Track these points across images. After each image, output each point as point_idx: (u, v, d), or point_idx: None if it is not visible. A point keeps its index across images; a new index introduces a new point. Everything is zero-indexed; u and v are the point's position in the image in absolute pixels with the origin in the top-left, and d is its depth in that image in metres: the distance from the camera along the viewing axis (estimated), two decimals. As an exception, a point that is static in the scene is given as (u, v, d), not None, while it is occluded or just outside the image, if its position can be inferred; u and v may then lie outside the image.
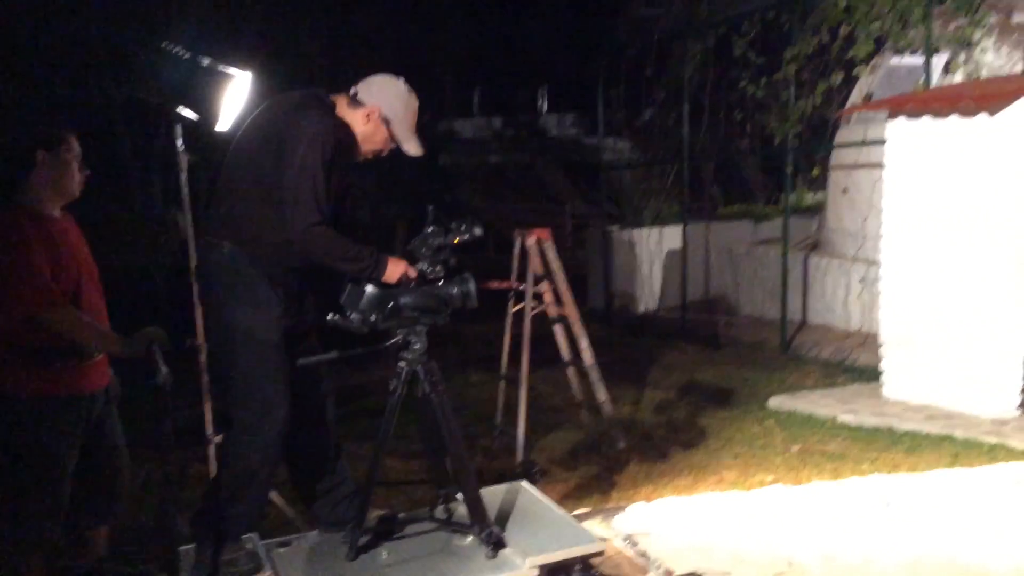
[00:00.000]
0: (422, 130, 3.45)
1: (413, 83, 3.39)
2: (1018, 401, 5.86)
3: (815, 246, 9.89)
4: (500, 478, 4.41)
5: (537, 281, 5.67)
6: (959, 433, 5.58)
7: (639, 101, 12.62)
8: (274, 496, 3.99)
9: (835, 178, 9.54)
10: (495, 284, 5.66)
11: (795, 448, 5.58)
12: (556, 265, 5.65)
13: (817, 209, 10.71)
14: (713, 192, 13.08)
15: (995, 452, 5.18)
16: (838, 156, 9.43)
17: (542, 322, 5.80)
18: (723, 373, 7.81)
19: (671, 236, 10.58)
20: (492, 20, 22.52)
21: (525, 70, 23.66)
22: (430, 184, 13.58)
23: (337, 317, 3.18)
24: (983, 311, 5.84)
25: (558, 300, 5.74)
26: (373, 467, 3.32)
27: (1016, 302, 5.70)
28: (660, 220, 10.98)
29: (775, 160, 9.70)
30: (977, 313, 5.88)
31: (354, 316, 3.16)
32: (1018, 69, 7.94)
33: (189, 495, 4.32)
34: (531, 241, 5.63)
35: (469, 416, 6.26)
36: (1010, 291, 5.70)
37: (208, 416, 4.00)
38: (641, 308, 10.73)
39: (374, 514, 3.48)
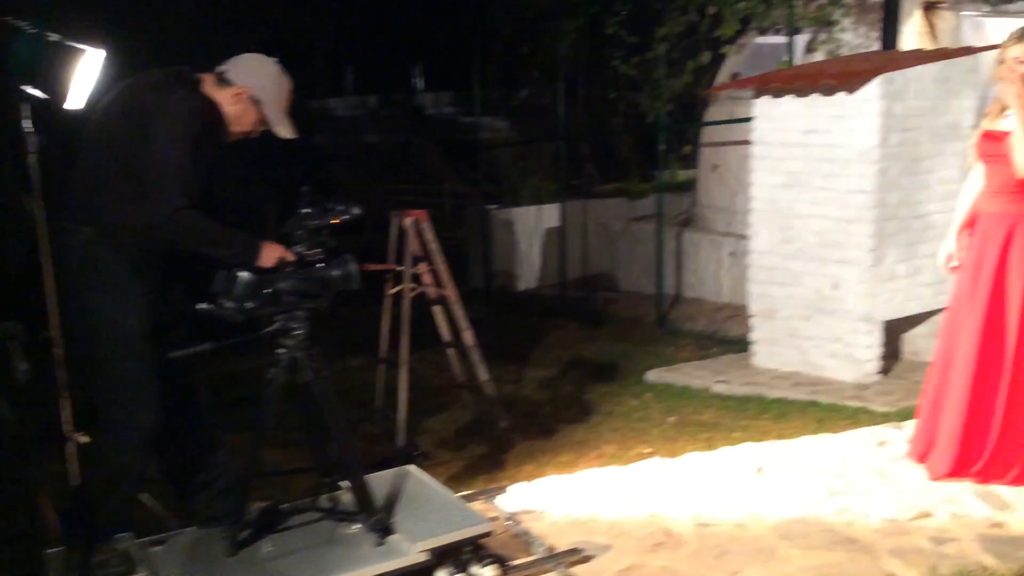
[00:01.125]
0: (295, 112, 3.36)
1: (283, 60, 3.29)
2: (878, 366, 6.18)
3: (688, 222, 10.15)
4: (382, 463, 4.37)
5: (415, 262, 5.62)
6: (824, 399, 5.84)
7: (517, 79, 12.66)
8: (144, 497, 3.84)
9: (705, 155, 9.80)
10: (372, 266, 5.58)
11: (671, 419, 5.73)
12: (434, 246, 5.61)
13: (690, 186, 11.00)
14: (590, 170, 13.25)
15: (857, 416, 5.44)
16: (708, 133, 9.69)
17: (422, 304, 5.77)
18: (603, 349, 7.94)
19: (549, 214, 10.68)
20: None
21: (400, 48, 23.40)
22: (302, 165, 13.27)
23: (209, 305, 3.07)
24: (842, 281, 6.12)
25: (437, 281, 5.71)
26: (252, 458, 3.24)
27: (872, 271, 5.98)
28: (538, 198, 11.07)
29: (649, 138, 9.89)
30: (837, 283, 6.15)
31: (227, 304, 3.05)
32: (875, 47, 8.32)
33: (55, 495, 4.11)
34: (408, 222, 5.57)
35: (349, 401, 6.15)
36: (866, 261, 5.98)
37: (66, 413, 3.80)
38: (521, 287, 10.81)
39: (255, 506, 3.39)
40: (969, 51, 6.24)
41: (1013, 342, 3.76)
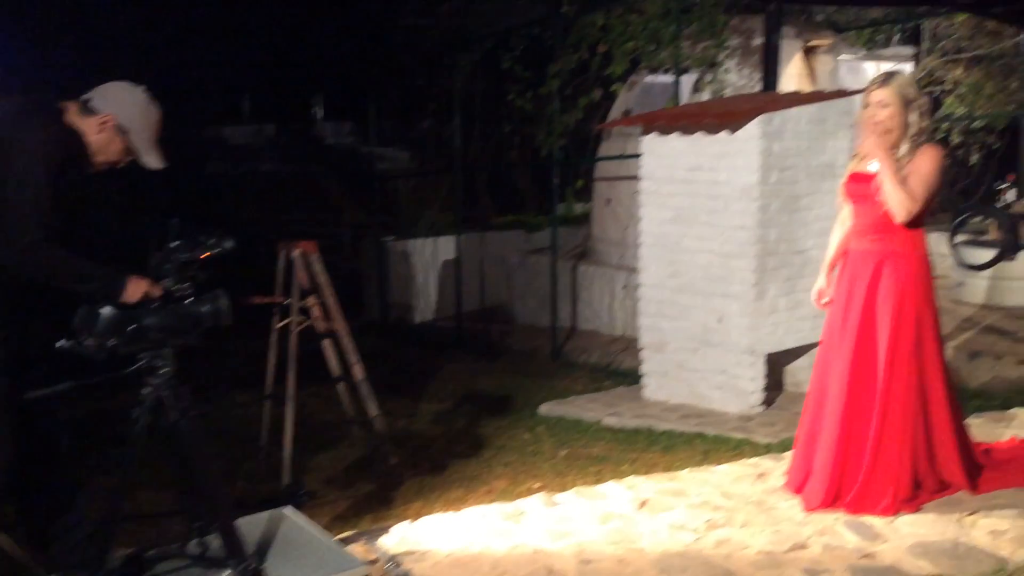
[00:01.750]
0: (165, 141, 3.26)
1: (175, 88, 3.19)
2: (761, 397, 6.32)
3: (583, 255, 10.27)
4: (265, 503, 4.24)
5: (304, 295, 5.51)
6: (710, 430, 5.94)
7: (419, 110, 12.64)
8: (2, 538, 3.62)
9: (599, 189, 9.95)
10: (259, 299, 5.45)
11: (563, 453, 5.74)
12: (323, 278, 5.52)
13: (585, 219, 11.14)
14: (486, 202, 13.30)
15: (741, 447, 5.55)
16: (601, 168, 9.84)
17: (312, 338, 5.66)
18: (498, 382, 7.93)
19: (446, 246, 10.66)
20: (263, 24, 21.85)
21: (299, 76, 23.13)
22: (193, 195, 12.95)
23: (69, 342, 2.93)
24: (727, 314, 6.26)
25: (327, 314, 5.61)
26: (117, 502, 3.09)
27: (755, 305, 6.13)
28: (435, 230, 11.04)
29: (545, 171, 10.00)
30: (722, 316, 6.29)
31: (89, 341, 2.92)
32: (758, 88, 8.61)
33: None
34: (297, 253, 5.47)
35: (233, 438, 5.99)
36: (749, 295, 6.13)
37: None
38: (418, 319, 10.73)
39: (120, 553, 3.23)
40: (843, 94, 6.51)
41: (882, 376, 3.88)
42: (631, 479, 4.45)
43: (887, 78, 3.86)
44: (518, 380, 7.90)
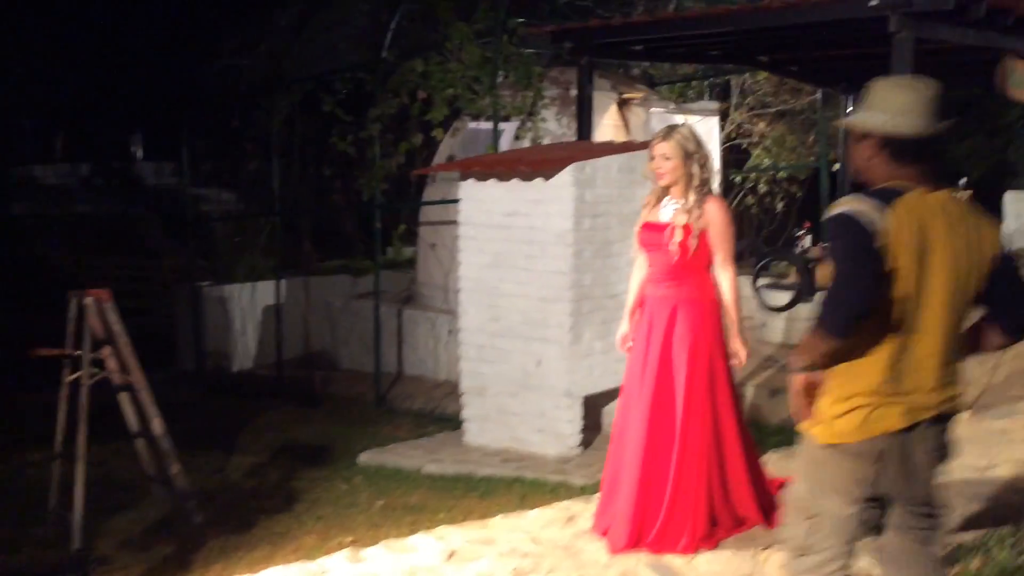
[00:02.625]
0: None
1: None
2: (579, 439, 6.40)
3: (409, 299, 10.20)
4: (51, 570, 3.91)
5: (97, 345, 5.18)
6: (529, 474, 5.95)
7: (244, 151, 12.29)
8: None
9: (424, 234, 9.94)
10: (45, 351, 5.08)
11: (379, 504, 5.61)
12: (118, 327, 5.20)
13: (412, 263, 11.09)
14: (308, 247, 13.05)
15: (557, 490, 5.59)
16: (426, 213, 9.85)
17: (108, 391, 5.31)
18: (317, 431, 7.71)
19: (267, 291, 10.34)
20: (78, 59, 20.83)
21: (116, 113, 22.15)
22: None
23: None
24: (544, 358, 6.33)
25: (123, 366, 5.28)
26: None
27: (571, 348, 6.23)
28: (255, 275, 10.70)
29: (370, 215, 9.91)
30: (540, 360, 6.35)
31: None
32: (575, 137, 8.86)
33: None
34: (89, 301, 5.14)
35: (21, 501, 5.54)
36: (565, 339, 6.23)
37: None
38: (236, 367, 10.33)
39: None
40: (648, 144, 6.75)
41: (680, 418, 4.00)
42: (441, 529, 4.37)
43: (669, 132, 4.03)
44: (339, 428, 7.71)
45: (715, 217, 3.93)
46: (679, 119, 9.98)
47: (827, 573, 2.63)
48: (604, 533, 4.14)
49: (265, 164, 11.31)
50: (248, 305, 10.33)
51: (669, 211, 4.00)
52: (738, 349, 4.02)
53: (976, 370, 7.01)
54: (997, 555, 3.79)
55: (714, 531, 4.02)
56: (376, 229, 8.82)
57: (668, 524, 3.95)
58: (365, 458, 6.66)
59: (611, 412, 6.83)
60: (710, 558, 3.93)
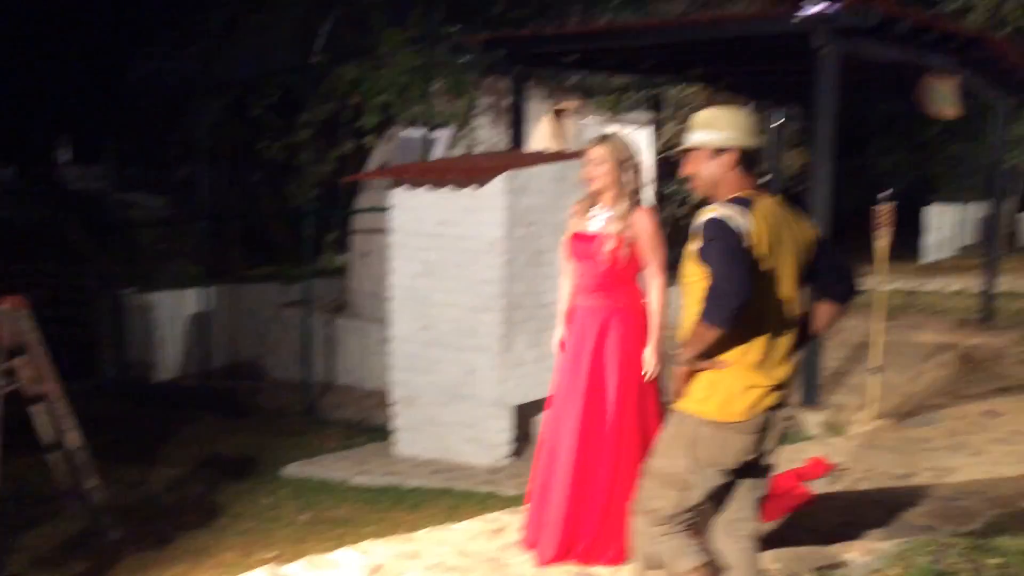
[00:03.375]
0: None
1: None
2: (510, 449, 6.37)
3: (340, 308, 10.07)
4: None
5: (10, 355, 4.98)
6: (459, 485, 5.89)
7: (170, 155, 11.98)
8: None
9: (356, 241, 9.83)
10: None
11: (304, 517, 5.49)
12: (33, 336, 5.01)
13: (344, 271, 10.95)
14: (236, 254, 12.79)
15: (487, 501, 5.53)
16: (357, 221, 9.73)
17: (20, 402, 5.11)
18: (243, 442, 7.54)
19: (193, 299, 10.10)
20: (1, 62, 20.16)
21: (40, 116, 21.46)
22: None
23: None
24: (476, 367, 6.28)
25: (39, 376, 5.09)
26: None
27: (502, 357, 6.20)
28: (181, 282, 10.45)
29: (299, 222, 9.74)
30: (471, 369, 6.30)
31: None
32: (510, 145, 8.84)
33: None
34: (4, 309, 4.94)
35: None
36: (497, 348, 6.19)
37: None
38: (160, 377, 10.06)
39: None
40: (581, 154, 6.76)
41: (612, 428, 3.97)
42: (366, 544, 4.28)
43: (604, 138, 4.03)
44: (265, 440, 7.55)
45: (645, 227, 3.93)
46: (614, 129, 10.06)
47: (681, 529, 3.02)
48: (532, 545, 4.10)
49: (193, 169, 11.09)
50: (174, 313, 10.07)
51: (599, 221, 3.98)
52: (648, 359, 4.00)
53: (897, 379, 7.19)
54: (916, 563, 3.85)
55: (642, 542, 4.00)
56: (307, 236, 8.67)
57: (598, 535, 3.93)
58: (291, 470, 6.53)
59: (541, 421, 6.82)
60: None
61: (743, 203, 2.88)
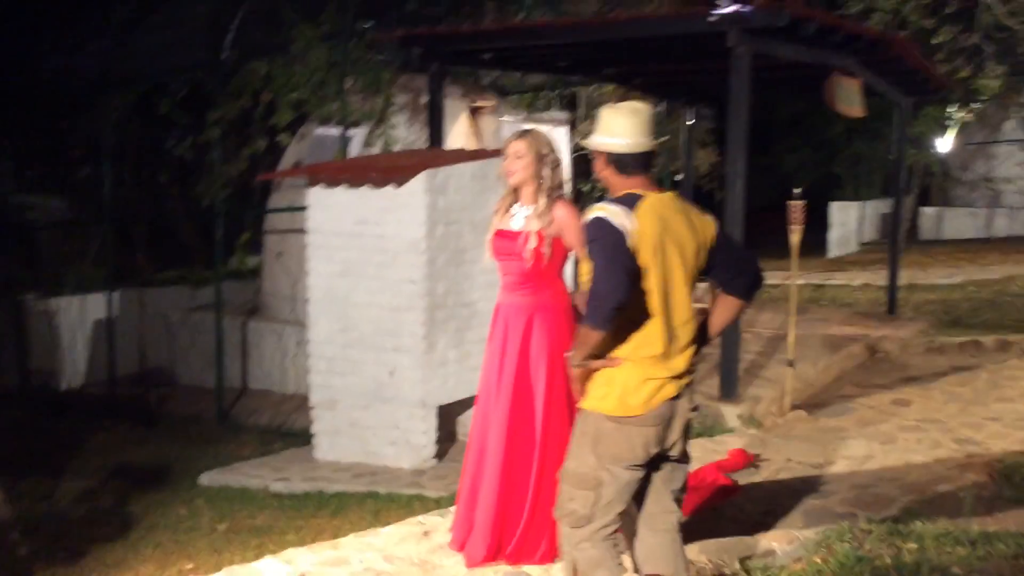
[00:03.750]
0: None
1: None
2: (434, 451, 6.31)
3: (254, 311, 9.83)
4: None
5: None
6: (383, 488, 5.81)
7: (72, 155, 11.53)
8: None
9: (270, 242, 9.61)
10: None
11: (222, 527, 5.34)
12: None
13: (256, 273, 10.71)
14: (142, 257, 12.39)
15: (412, 504, 5.46)
16: (271, 221, 9.52)
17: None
18: (155, 452, 7.31)
19: (98, 304, 9.73)
20: None
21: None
22: None
23: None
24: (398, 368, 6.20)
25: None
26: None
27: (425, 358, 6.13)
28: (85, 287, 10.04)
29: (209, 223, 9.48)
30: (393, 370, 6.22)
31: None
32: (426, 144, 8.76)
33: None
34: None
35: None
36: (419, 348, 6.12)
37: None
38: (64, 385, 9.65)
39: None
40: (501, 152, 6.74)
41: (540, 427, 3.95)
42: (289, 552, 4.17)
43: (523, 132, 4.01)
44: (178, 448, 7.33)
45: (567, 221, 3.91)
46: (529, 128, 10.08)
47: (606, 535, 3.01)
48: (461, 547, 4.06)
49: (96, 169, 10.67)
50: (77, 319, 9.67)
51: (520, 218, 3.96)
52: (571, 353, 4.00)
53: (809, 371, 7.38)
54: (838, 550, 3.94)
55: (572, 539, 4.00)
56: (218, 238, 8.43)
57: (527, 534, 3.91)
58: (207, 479, 6.35)
59: (466, 422, 6.78)
60: (568, 566, 3.91)
61: (629, 200, 2.94)
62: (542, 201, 3.91)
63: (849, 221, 18.72)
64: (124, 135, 9.63)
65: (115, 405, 8.90)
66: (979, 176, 20.85)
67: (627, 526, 3.19)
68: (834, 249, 17.64)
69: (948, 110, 17.71)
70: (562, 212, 3.91)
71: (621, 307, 2.80)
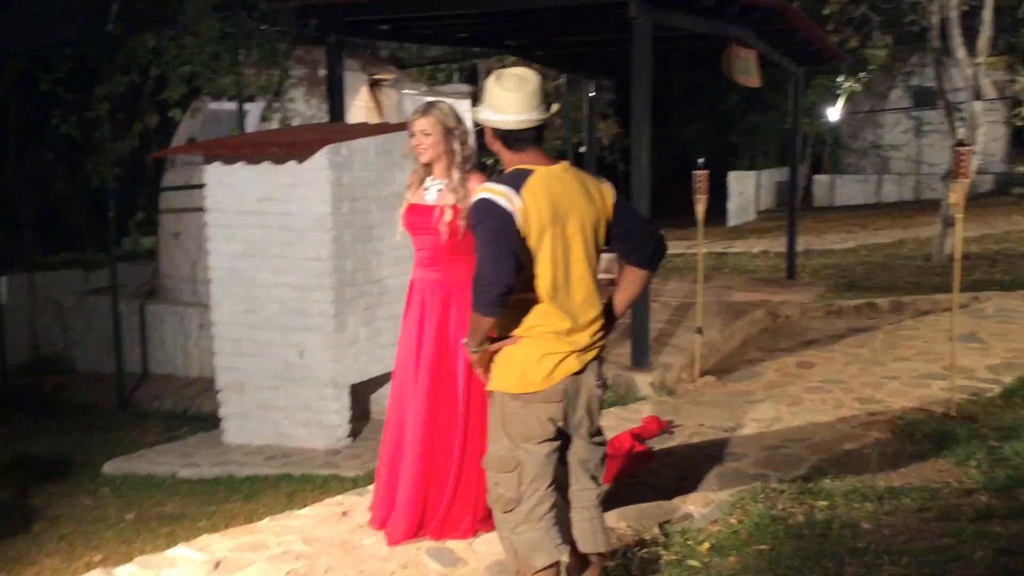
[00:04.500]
0: None
1: None
2: (347, 430, 6.22)
3: (152, 293, 9.51)
4: None
5: None
6: (296, 470, 5.70)
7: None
8: None
9: (165, 222, 9.29)
10: None
11: (130, 516, 5.16)
12: None
13: (152, 254, 10.34)
14: (30, 239, 11.83)
15: (328, 484, 5.38)
16: (167, 200, 9.20)
17: None
18: (53, 442, 7.01)
19: (-16, 290, 9.26)
20: None
21: None
22: None
23: None
24: (308, 348, 6.08)
25: None
26: None
27: (335, 336, 6.03)
28: (-32, 273, 9.55)
29: (100, 204, 9.09)
30: (302, 350, 6.10)
31: None
32: (326, 119, 8.58)
33: None
34: None
35: None
36: (329, 327, 6.01)
37: None
38: (-51, 377, 9.18)
39: None
40: (405, 126, 6.64)
41: (461, 402, 3.91)
42: (203, 539, 4.06)
43: (428, 108, 3.92)
44: (78, 437, 7.05)
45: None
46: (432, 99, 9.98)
47: (540, 514, 2.91)
48: (382, 525, 4.02)
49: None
50: (-39, 306, 9.19)
51: (434, 192, 3.90)
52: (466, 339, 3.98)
53: (715, 337, 7.55)
54: (752, 510, 4.05)
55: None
56: (110, 218, 8.09)
57: (450, 510, 3.89)
58: (111, 467, 6.14)
59: (380, 400, 6.71)
60: (489, 539, 3.90)
61: (517, 177, 2.83)
62: (456, 175, 3.86)
63: (747, 190, 19.23)
64: (3, 113, 9.11)
65: (7, 395, 8.51)
66: (868, 144, 21.66)
67: (561, 511, 3.14)
68: (733, 218, 18.10)
69: (837, 80, 18.30)
70: (476, 184, 3.86)
71: (509, 291, 2.71)
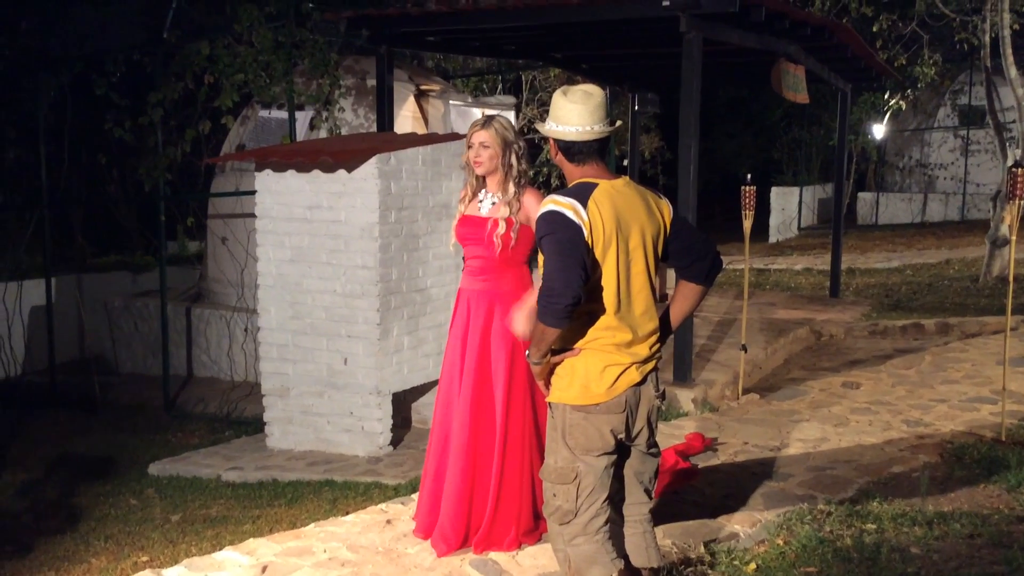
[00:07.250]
0: None
1: None
2: (389, 438, 6.25)
3: (198, 297, 9.63)
4: None
5: None
6: (338, 477, 5.74)
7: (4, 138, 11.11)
8: None
9: (213, 227, 9.41)
10: None
11: (175, 518, 5.22)
12: None
13: (199, 258, 10.48)
14: (80, 241, 12.04)
15: (370, 491, 5.41)
16: (215, 205, 9.32)
17: None
18: (99, 441, 7.12)
19: (35, 291, 9.43)
20: None
21: None
22: None
23: None
24: (352, 355, 6.13)
25: None
26: None
27: (379, 344, 6.07)
28: (20, 273, 9.72)
29: (151, 208, 9.23)
30: (346, 357, 6.14)
31: None
32: (373, 128, 8.66)
33: None
34: None
35: None
36: (373, 335, 6.05)
37: None
38: (1, 374, 9.35)
39: None
40: (455, 137, 6.70)
41: (501, 414, 3.93)
42: (250, 542, 4.10)
43: (488, 121, 3.95)
44: (124, 438, 7.15)
45: (535, 209, 3.89)
46: (477, 112, 10.02)
47: (597, 527, 2.94)
48: (427, 534, 4.03)
49: (29, 152, 10.32)
50: (13, 306, 9.36)
51: (488, 205, 3.93)
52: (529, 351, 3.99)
53: (759, 355, 7.49)
54: (799, 531, 4.01)
55: (538, 525, 4.00)
56: (160, 222, 8.22)
57: (494, 522, 3.90)
58: (156, 469, 6.21)
59: (421, 408, 6.75)
60: (534, 552, 3.91)
61: (583, 190, 2.87)
62: (511, 188, 3.89)
63: (789, 206, 19.07)
64: (60, 117, 9.29)
65: (56, 394, 8.65)
66: (913, 162, 21.39)
67: (616, 525, 3.15)
68: (775, 234, 17.95)
69: (884, 96, 18.12)
70: (530, 199, 3.89)
71: (577, 303, 2.74)
